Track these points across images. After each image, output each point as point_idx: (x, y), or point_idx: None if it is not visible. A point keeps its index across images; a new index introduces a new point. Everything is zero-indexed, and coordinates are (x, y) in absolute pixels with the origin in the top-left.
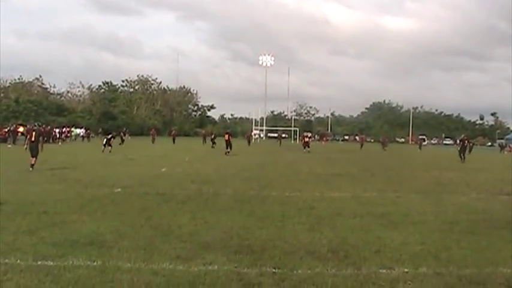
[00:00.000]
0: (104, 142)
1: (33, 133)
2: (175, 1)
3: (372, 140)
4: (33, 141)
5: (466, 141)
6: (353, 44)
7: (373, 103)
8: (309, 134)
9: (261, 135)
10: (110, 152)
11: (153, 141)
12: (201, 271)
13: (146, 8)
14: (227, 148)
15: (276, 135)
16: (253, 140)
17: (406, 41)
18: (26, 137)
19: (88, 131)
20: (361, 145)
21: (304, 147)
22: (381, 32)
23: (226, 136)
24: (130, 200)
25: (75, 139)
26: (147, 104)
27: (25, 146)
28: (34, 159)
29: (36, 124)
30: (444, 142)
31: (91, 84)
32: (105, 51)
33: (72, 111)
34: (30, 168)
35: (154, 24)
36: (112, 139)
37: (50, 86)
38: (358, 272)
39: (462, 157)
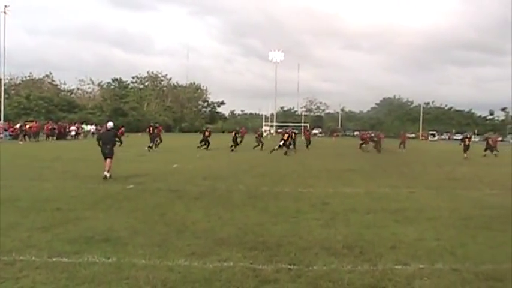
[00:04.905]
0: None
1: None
2: None
3: (384, 136)
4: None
5: (468, 140)
6: (367, 38)
7: (384, 98)
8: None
9: (271, 131)
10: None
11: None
12: (216, 267)
13: (158, 3)
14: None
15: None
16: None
17: (420, 35)
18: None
19: (98, 128)
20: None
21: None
22: (394, 27)
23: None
24: (143, 197)
25: (86, 136)
26: (157, 100)
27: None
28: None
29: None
30: (454, 137)
31: (101, 81)
32: (116, 47)
33: (83, 107)
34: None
35: (165, 20)
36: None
37: (60, 83)
38: (374, 268)
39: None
